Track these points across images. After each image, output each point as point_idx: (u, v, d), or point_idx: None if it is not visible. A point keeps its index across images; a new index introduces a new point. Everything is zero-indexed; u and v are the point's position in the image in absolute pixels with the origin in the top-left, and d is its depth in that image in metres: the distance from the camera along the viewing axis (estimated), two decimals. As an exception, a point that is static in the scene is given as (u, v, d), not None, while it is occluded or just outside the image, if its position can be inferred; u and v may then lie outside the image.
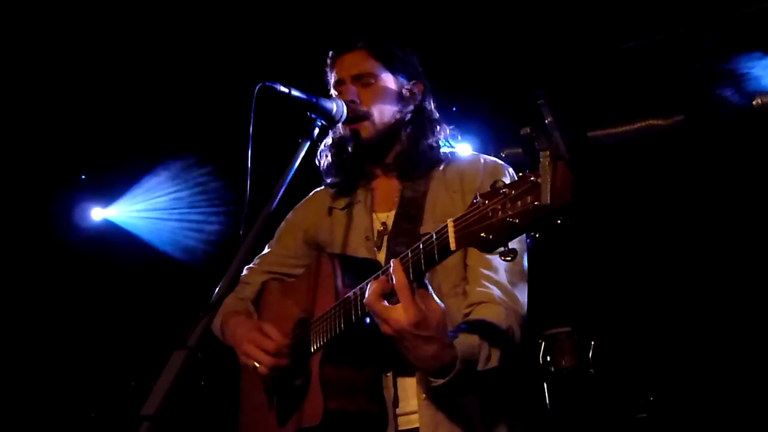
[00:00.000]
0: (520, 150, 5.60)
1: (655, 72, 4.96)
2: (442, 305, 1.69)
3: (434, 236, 1.60)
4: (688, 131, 5.07)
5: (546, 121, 1.34)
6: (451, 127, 2.33)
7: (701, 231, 4.99)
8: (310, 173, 2.21)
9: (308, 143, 1.98)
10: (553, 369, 4.65)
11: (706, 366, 4.84)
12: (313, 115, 2.03)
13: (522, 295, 2.01)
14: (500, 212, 1.40)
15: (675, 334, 5.01)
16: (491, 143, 5.57)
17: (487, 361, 1.81)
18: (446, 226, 1.55)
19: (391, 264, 1.67)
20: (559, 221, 1.35)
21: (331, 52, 2.28)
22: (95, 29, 4.65)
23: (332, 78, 2.27)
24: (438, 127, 2.26)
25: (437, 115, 2.31)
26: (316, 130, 2.01)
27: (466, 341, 1.77)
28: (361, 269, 2.01)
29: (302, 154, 1.95)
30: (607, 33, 4.81)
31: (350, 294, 1.88)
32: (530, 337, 4.61)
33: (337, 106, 2.08)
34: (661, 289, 5.08)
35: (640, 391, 4.57)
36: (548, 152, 1.31)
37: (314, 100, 2.03)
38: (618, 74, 5.02)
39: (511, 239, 1.43)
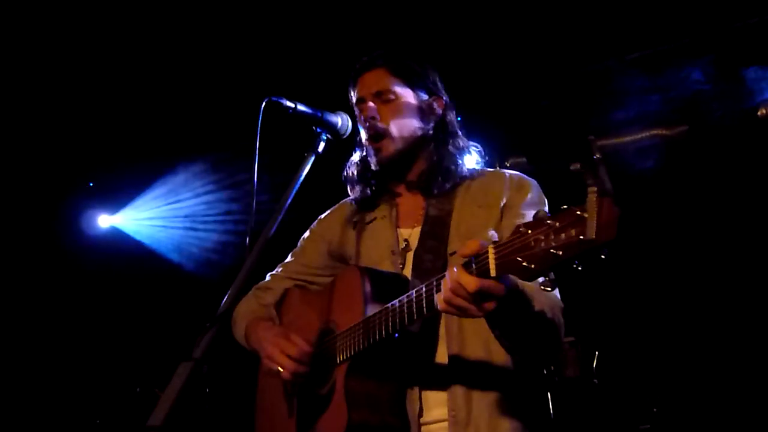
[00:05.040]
0: (524, 159, 5.61)
1: (659, 82, 4.98)
2: None
3: (474, 261, 1.61)
4: (692, 141, 5.08)
5: (594, 158, 1.38)
6: (474, 144, 2.34)
7: (705, 241, 4.99)
8: (316, 186, 2.24)
9: (314, 157, 2.03)
10: (557, 379, 4.66)
11: (709, 377, 4.84)
12: (318, 129, 2.09)
13: (556, 289, 2.03)
14: (543, 242, 1.43)
15: (679, 345, 5.00)
16: (496, 152, 5.59)
17: (541, 308, 1.83)
18: (487, 252, 1.58)
19: (456, 271, 1.65)
20: (603, 256, 1.38)
21: (352, 72, 2.32)
22: (104, 38, 4.70)
23: (354, 97, 2.31)
24: (461, 143, 2.28)
25: (460, 130, 2.32)
26: (322, 144, 2.06)
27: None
28: (389, 284, 2.05)
29: (308, 167, 1.99)
30: (612, 43, 4.83)
31: (382, 309, 1.90)
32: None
33: (342, 121, 2.13)
34: (665, 300, 5.08)
35: (644, 402, 4.57)
36: (595, 188, 1.35)
37: (319, 114, 2.07)
38: (622, 84, 5.03)
39: (552, 270, 1.47)
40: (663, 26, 4.65)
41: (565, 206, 1.43)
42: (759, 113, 4.95)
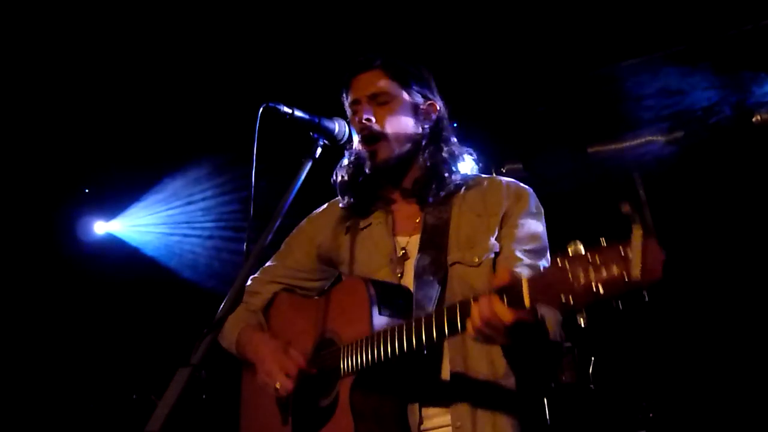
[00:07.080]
0: (520, 165, 5.63)
1: (655, 88, 5.00)
2: None
3: (506, 291, 1.59)
4: (688, 147, 5.10)
5: (640, 197, 1.37)
6: (468, 150, 2.32)
7: (701, 246, 5.00)
8: (313, 191, 2.23)
9: (311, 162, 2.03)
10: (553, 384, 4.66)
11: (706, 382, 4.84)
12: (315, 135, 2.07)
13: None
14: (583, 278, 1.41)
15: (675, 350, 5.01)
16: (492, 158, 5.60)
17: (556, 336, 1.86)
18: (520, 283, 1.55)
19: (492, 302, 1.63)
20: (646, 297, 1.36)
21: (346, 73, 2.27)
22: (101, 44, 4.70)
23: (348, 98, 2.26)
24: (455, 149, 2.25)
25: (454, 136, 2.29)
26: (319, 150, 2.05)
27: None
28: (394, 297, 2.02)
29: (305, 173, 1.99)
30: (608, 50, 4.85)
31: (396, 326, 1.86)
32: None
33: (339, 126, 2.12)
34: (661, 305, 5.09)
35: (640, 407, 4.57)
36: (641, 227, 1.34)
37: (316, 120, 2.07)
38: (618, 91, 5.05)
39: (590, 306, 1.45)
40: (659, 33, 4.67)
41: (604, 241, 1.40)
42: (754, 119, 4.98)
